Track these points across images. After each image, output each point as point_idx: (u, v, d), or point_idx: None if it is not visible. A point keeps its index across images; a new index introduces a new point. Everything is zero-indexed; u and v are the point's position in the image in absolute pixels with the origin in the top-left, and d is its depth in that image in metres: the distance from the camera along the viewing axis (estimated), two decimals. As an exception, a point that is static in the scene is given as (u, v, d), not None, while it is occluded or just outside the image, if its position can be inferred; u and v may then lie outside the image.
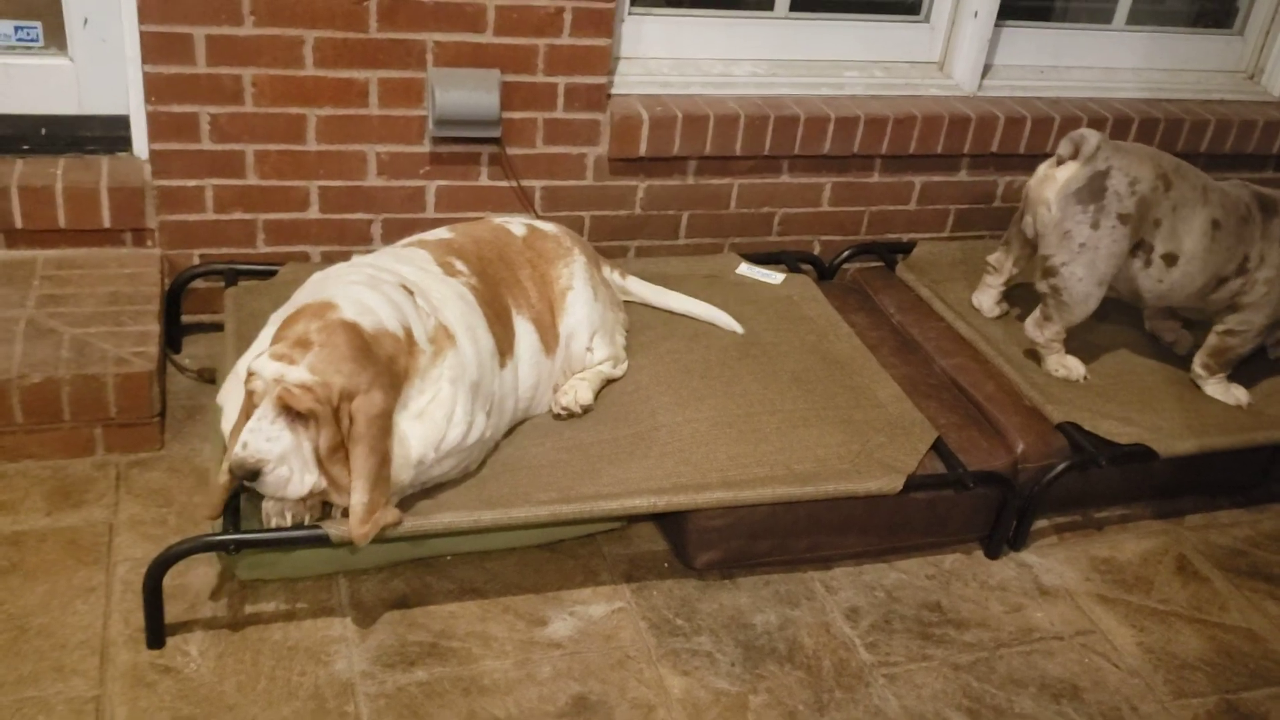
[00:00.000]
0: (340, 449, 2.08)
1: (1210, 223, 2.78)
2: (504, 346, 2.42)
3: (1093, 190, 2.71)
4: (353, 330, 2.09)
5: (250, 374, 2.04)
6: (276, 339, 2.09)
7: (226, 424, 2.22)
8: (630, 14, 3.15)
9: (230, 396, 2.24)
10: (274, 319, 2.30)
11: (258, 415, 2.03)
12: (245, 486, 2.11)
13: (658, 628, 2.36)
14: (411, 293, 2.26)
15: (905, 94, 3.41)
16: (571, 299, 2.61)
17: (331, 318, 2.08)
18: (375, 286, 2.21)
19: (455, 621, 2.31)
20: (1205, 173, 2.88)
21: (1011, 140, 3.42)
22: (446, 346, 2.24)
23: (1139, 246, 2.78)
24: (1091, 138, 2.74)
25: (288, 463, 2.05)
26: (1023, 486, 2.65)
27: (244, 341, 2.41)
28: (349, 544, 2.14)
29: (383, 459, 2.09)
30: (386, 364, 2.13)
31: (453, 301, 2.34)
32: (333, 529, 2.14)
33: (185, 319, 2.95)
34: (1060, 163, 2.78)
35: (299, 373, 2.02)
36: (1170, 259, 2.78)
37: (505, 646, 2.27)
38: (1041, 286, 2.83)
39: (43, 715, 2.00)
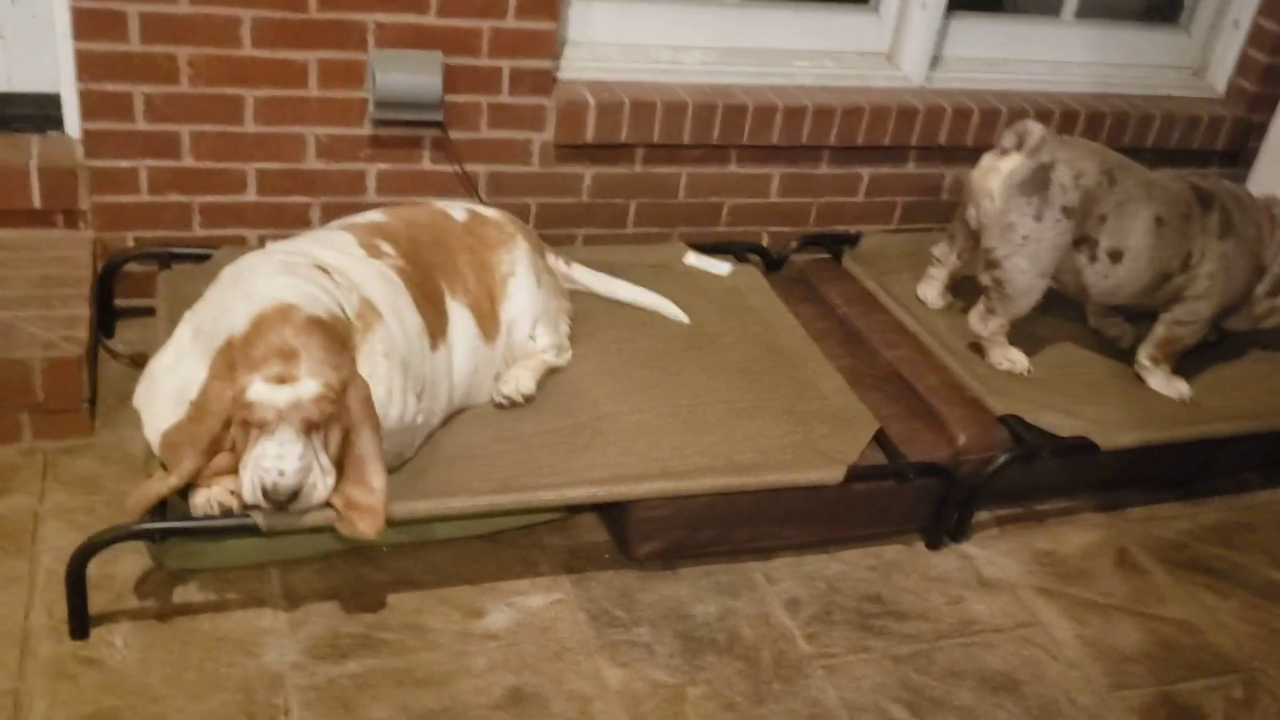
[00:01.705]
0: (344, 441, 2.07)
1: (1154, 220, 2.79)
2: (434, 330, 2.38)
3: (1036, 182, 2.71)
4: (320, 324, 2.06)
5: (249, 404, 1.98)
6: (246, 360, 2.00)
7: (151, 430, 2.15)
8: (577, -2, 3.12)
9: (150, 399, 2.18)
10: (187, 318, 2.24)
11: (280, 440, 1.99)
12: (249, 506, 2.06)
13: (596, 619, 2.34)
14: (327, 272, 2.21)
15: (854, 85, 3.40)
16: (513, 285, 2.58)
17: (297, 318, 2.04)
18: (294, 271, 2.16)
19: (390, 613, 2.28)
20: (1148, 168, 2.89)
21: (959, 132, 3.42)
22: (374, 321, 2.21)
23: (1083, 242, 2.78)
24: (1036, 129, 2.74)
25: (313, 475, 2.03)
26: (964, 478, 2.64)
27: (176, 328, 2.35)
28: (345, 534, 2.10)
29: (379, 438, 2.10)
30: (347, 345, 2.11)
31: (373, 281, 2.29)
32: (345, 528, 2.08)
33: (118, 303, 2.88)
34: (1004, 154, 2.78)
35: (310, 387, 1.98)
36: (1115, 255, 2.79)
37: (441, 638, 2.24)
38: (984, 279, 2.83)
39: (-42, 708, 1.95)
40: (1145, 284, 2.84)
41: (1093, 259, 2.79)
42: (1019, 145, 2.75)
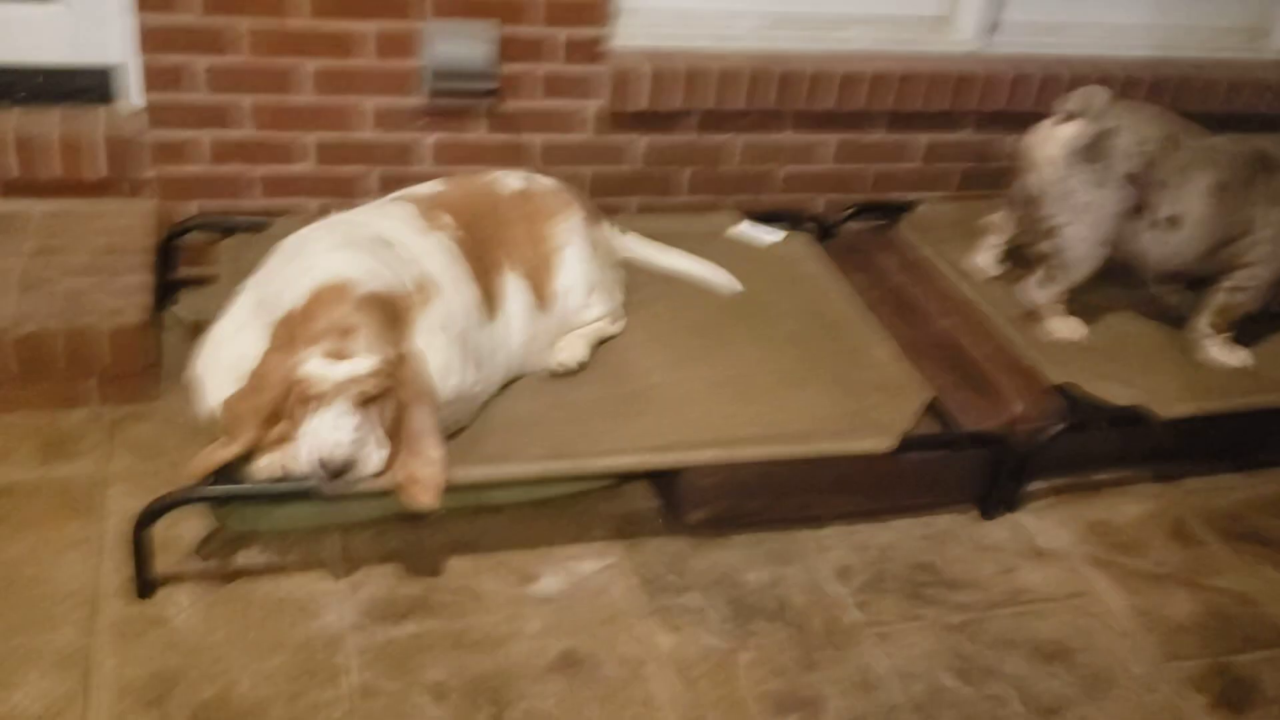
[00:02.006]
0: (398, 415, 2.11)
1: (1216, 185, 2.74)
2: (491, 300, 2.41)
3: (1098, 149, 2.67)
4: (377, 299, 2.10)
5: (302, 380, 2.02)
6: (305, 334, 2.04)
7: (211, 399, 2.20)
8: (631, -35, 3.11)
9: (210, 367, 2.23)
10: (248, 287, 2.28)
11: (335, 413, 2.03)
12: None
13: (648, 584, 2.36)
14: (389, 245, 2.24)
15: (911, 50, 3.36)
16: (568, 255, 2.59)
17: (355, 295, 2.08)
18: (355, 246, 2.19)
19: (446, 576, 2.32)
20: (1211, 133, 2.84)
21: (1019, 98, 3.38)
22: (432, 295, 2.24)
23: (1143, 208, 2.74)
24: (1099, 94, 2.69)
25: (367, 447, 2.07)
26: (1018, 447, 2.63)
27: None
28: (400, 502, 2.13)
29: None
30: (404, 321, 2.14)
31: (434, 253, 2.32)
32: (405, 499, 2.12)
33: (180, 272, 2.94)
34: (1066, 119, 2.74)
35: (365, 363, 2.02)
36: (1175, 222, 2.75)
37: (495, 601, 2.27)
38: (1042, 246, 2.80)
39: (31, 664, 2.02)
40: (1204, 250, 2.80)
41: (1152, 225, 2.75)
42: (1081, 111, 2.71)
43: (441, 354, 2.22)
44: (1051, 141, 2.74)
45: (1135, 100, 3.30)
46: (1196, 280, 2.95)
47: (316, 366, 2.02)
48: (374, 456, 2.10)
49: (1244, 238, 2.80)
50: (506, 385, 2.50)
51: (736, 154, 3.28)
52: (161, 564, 2.21)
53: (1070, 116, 2.72)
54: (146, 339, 2.55)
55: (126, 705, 1.97)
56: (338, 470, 2.05)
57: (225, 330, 2.25)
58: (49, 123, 2.78)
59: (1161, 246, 2.78)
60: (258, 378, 2.09)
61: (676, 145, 3.21)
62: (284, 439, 2.12)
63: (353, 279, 2.10)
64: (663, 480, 2.52)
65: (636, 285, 2.83)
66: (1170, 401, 2.71)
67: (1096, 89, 2.70)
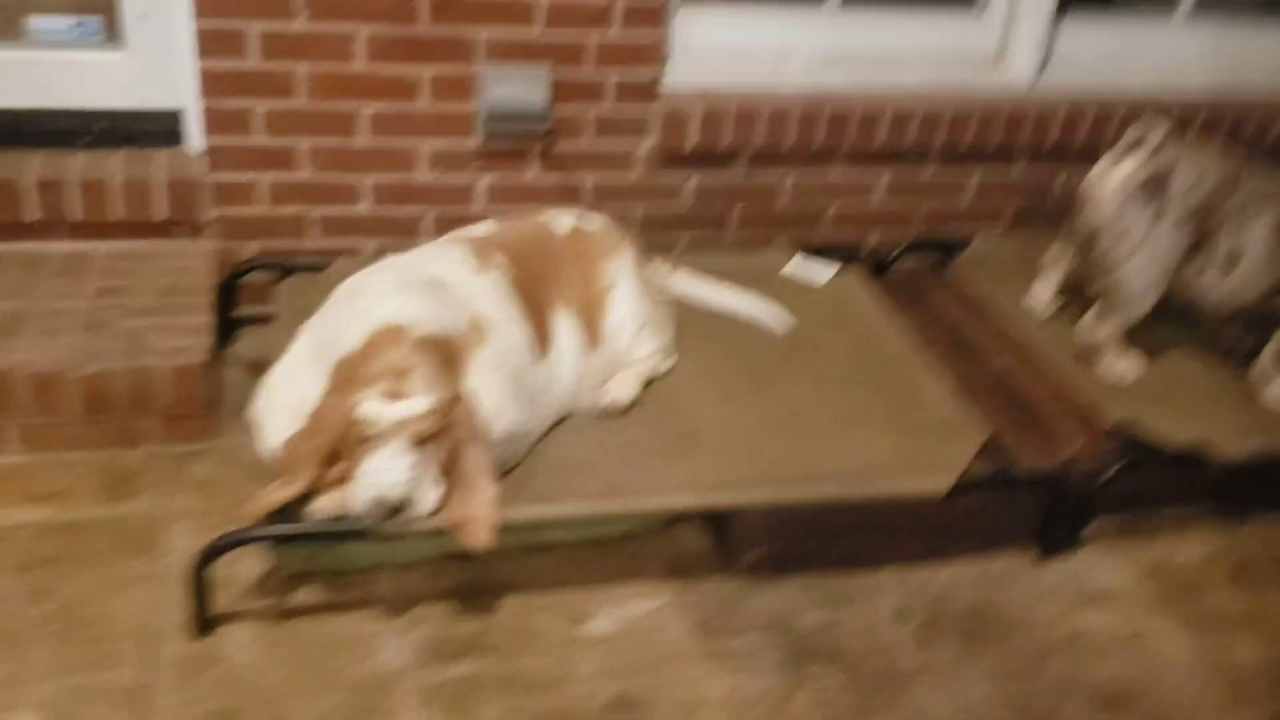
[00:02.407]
0: (451, 456, 2.13)
1: (1277, 223, 2.70)
2: (541, 339, 2.43)
3: (1156, 185, 2.65)
4: (430, 343, 2.12)
5: (358, 421, 2.05)
6: (362, 375, 2.07)
7: (269, 440, 2.23)
8: (682, 6, 3.13)
9: (269, 409, 2.26)
10: (305, 330, 2.32)
11: (390, 454, 2.05)
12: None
13: (700, 626, 2.35)
14: (441, 288, 2.27)
15: (962, 87, 3.35)
16: (617, 294, 2.61)
17: (409, 338, 2.11)
18: (410, 289, 2.22)
19: (500, 615, 2.32)
20: (1273, 167, 2.80)
21: (1070, 134, 3.36)
22: (484, 337, 2.26)
23: (1200, 246, 2.71)
24: (1157, 130, 2.67)
25: (421, 487, 2.09)
26: (1075, 488, 2.60)
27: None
28: (453, 542, 2.15)
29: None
30: (457, 363, 2.17)
31: (486, 294, 2.35)
32: (459, 539, 2.14)
33: (239, 312, 2.98)
34: (1123, 155, 2.72)
35: (419, 404, 2.05)
36: (1232, 260, 2.71)
37: (548, 641, 2.28)
38: (1098, 284, 2.77)
39: (93, 702, 2.04)
40: (1265, 289, 2.76)
41: (1210, 264, 2.72)
42: (1139, 145, 2.69)
43: (495, 394, 2.24)
44: (1110, 176, 2.72)
45: (1196, 136, 3.27)
46: (1259, 319, 2.90)
47: (373, 407, 2.05)
48: (429, 496, 2.12)
49: None
50: (557, 424, 2.51)
51: (787, 191, 3.29)
52: (221, 602, 2.23)
53: (1129, 151, 2.70)
54: (207, 378, 2.59)
55: (185, 744, 1.99)
56: (393, 509, 2.07)
57: (284, 372, 2.29)
58: (113, 166, 2.84)
59: (1220, 285, 2.74)
60: (316, 419, 2.11)
61: (727, 183, 3.22)
62: (342, 479, 2.14)
63: (408, 322, 2.13)
64: (715, 520, 2.52)
65: (687, 323, 2.84)
66: (1231, 440, 2.67)
67: (1155, 123, 2.68)
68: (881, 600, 2.47)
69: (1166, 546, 2.73)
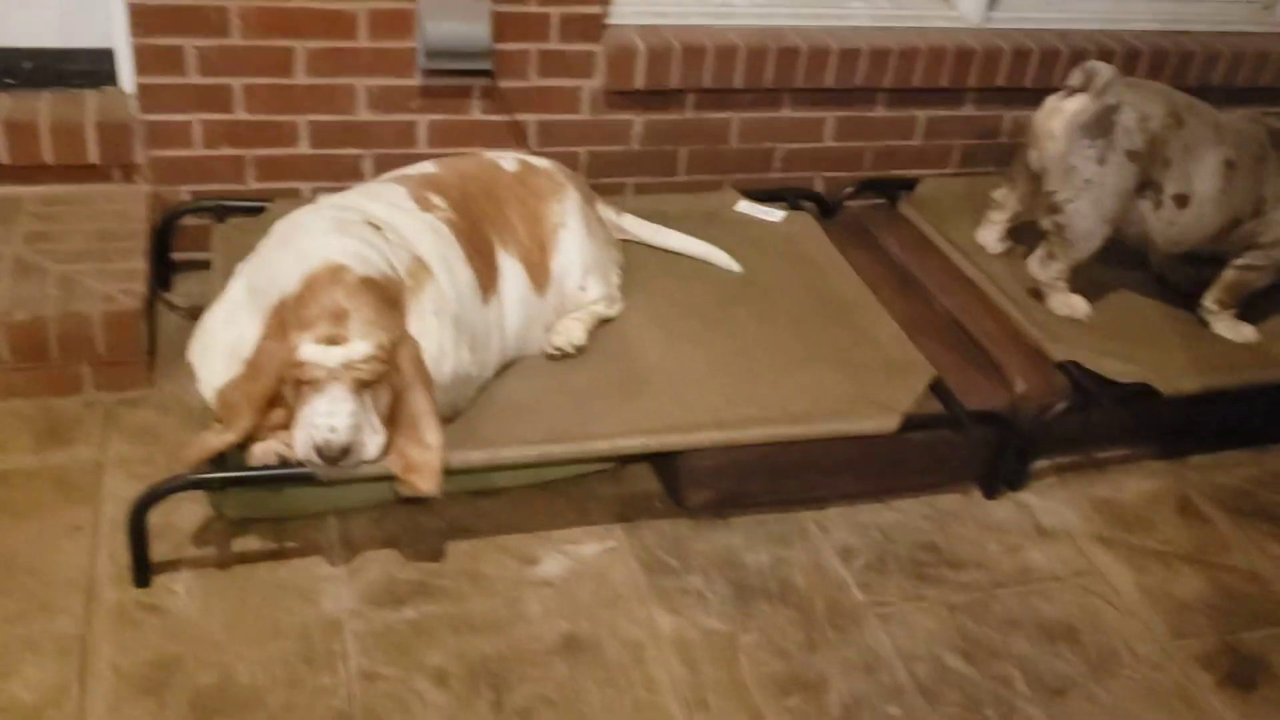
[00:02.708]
0: (395, 400, 2.09)
1: (1224, 163, 2.71)
2: (486, 282, 2.38)
3: (1101, 124, 2.64)
4: (371, 284, 2.07)
5: (298, 365, 2.00)
6: (299, 319, 2.02)
7: (206, 385, 2.18)
8: (627, -58, 3.07)
9: (204, 354, 2.21)
10: (240, 273, 2.26)
11: (331, 399, 2.01)
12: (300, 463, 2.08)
13: (649, 567, 2.34)
14: (379, 228, 2.22)
15: (910, 25, 3.32)
16: (564, 236, 2.57)
17: (349, 279, 2.05)
18: (346, 230, 2.17)
19: (446, 561, 2.30)
20: (1218, 108, 2.80)
21: (1018, 74, 3.34)
22: (425, 279, 2.21)
23: (1148, 187, 2.71)
24: (1103, 70, 2.66)
25: (364, 432, 2.05)
26: (1022, 426, 2.61)
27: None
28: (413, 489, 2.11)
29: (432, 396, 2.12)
30: (399, 305, 2.12)
31: (425, 235, 2.30)
32: (405, 487, 2.11)
33: (175, 256, 2.91)
34: (1069, 94, 2.70)
35: (361, 347, 2.00)
36: (1181, 200, 2.72)
37: (496, 585, 2.26)
38: (1045, 223, 2.77)
39: (29, 653, 2.00)
40: (1214, 230, 2.77)
41: (1158, 205, 2.72)
42: (1085, 86, 2.67)
43: (436, 338, 2.20)
44: (1055, 116, 2.71)
45: (1141, 77, 3.27)
46: (1207, 256, 2.91)
47: (311, 352, 2.00)
48: (371, 442, 2.08)
49: (1256, 218, 2.77)
50: (504, 369, 2.48)
51: (735, 132, 3.25)
52: (159, 551, 2.19)
53: (1074, 92, 2.69)
54: (141, 325, 2.53)
55: (124, 693, 1.96)
56: (335, 456, 2.03)
57: (218, 317, 2.23)
58: (40, 107, 2.75)
59: (1169, 226, 2.74)
60: (253, 365, 2.06)
61: (674, 124, 3.18)
62: (281, 425, 2.10)
63: (345, 264, 2.07)
64: (663, 462, 2.50)
65: (635, 266, 2.81)
66: (1176, 378, 2.68)
67: (1100, 65, 2.66)
68: (830, 538, 2.48)
69: (1113, 483, 2.76)
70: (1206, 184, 2.71)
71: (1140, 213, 2.74)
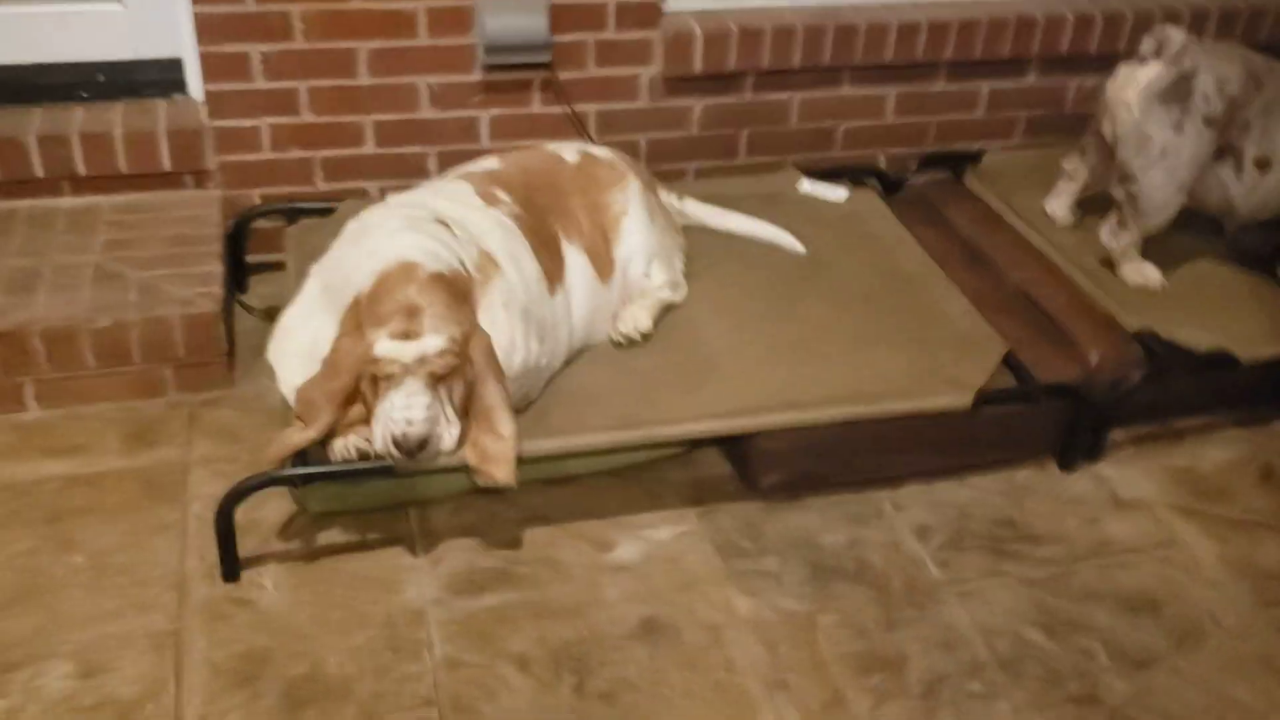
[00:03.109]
0: (469, 392, 2.13)
1: None
2: (552, 274, 2.41)
3: (1177, 91, 2.60)
4: (441, 279, 2.11)
5: (374, 361, 2.05)
6: (373, 316, 2.06)
7: (285, 384, 2.24)
8: (681, -72, 3.07)
9: (282, 354, 2.26)
10: (314, 273, 2.31)
11: (407, 392, 2.06)
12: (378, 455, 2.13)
13: (724, 550, 2.36)
14: (447, 225, 2.25)
15: (969, -3, 3.29)
16: (627, 225, 2.58)
17: (420, 276, 2.09)
18: (416, 227, 2.21)
19: (524, 548, 2.33)
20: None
21: (1082, 41, 3.29)
22: (493, 273, 2.24)
23: (1228, 152, 2.66)
24: (1176, 35, 2.61)
25: (440, 424, 2.09)
26: (1097, 398, 2.58)
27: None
28: (487, 480, 2.14)
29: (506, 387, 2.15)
30: (469, 299, 2.16)
31: (493, 230, 2.33)
32: (481, 477, 2.15)
33: (249, 258, 2.98)
34: (1143, 62, 2.66)
35: (435, 341, 2.04)
36: (1263, 164, 2.66)
37: (573, 571, 2.28)
38: (1118, 193, 2.73)
39: (126, 649, 2.06)
40: None
41: (1239, 170, 2.67)
42: (1158, 53, 2.63)
43: (505, 330, 2.23)
44: (1129, 85, 2.66)
45: (1214, 39, 3.20)
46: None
47: (386, 347, 2.04)
48: (447, 434, 2.12)
49: None
50: (573, 358, 2.50)
51: (795, 112, 3.24)
52: (246, 547, 2.25)
53: (1147, 59, 2.64)
54: (219, 326, 2.59)
55: (219, 686, 2.01)
56: (412, 449, 2.07)
57: (294, 317, 2.28)
58: (114, 118, 2.82)
59: (1252, 192, 2.69)
60: (330, 364, 2.11)
61: (733, 107, 3.18)
62: (359, 421, 2.14)
63: (416, 261, 2.11)
64: (734, 445, 2.51)
65: (698, 250, 2.81)
66: (1253, 344, 2.64)
67: (1173, 30, 2.61)
68: (905, 516, 2.47)
69: (1191, 453, 2.71)
70: None
71: (1220, 179, 2.69)
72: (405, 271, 2.09)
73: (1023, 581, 2.33)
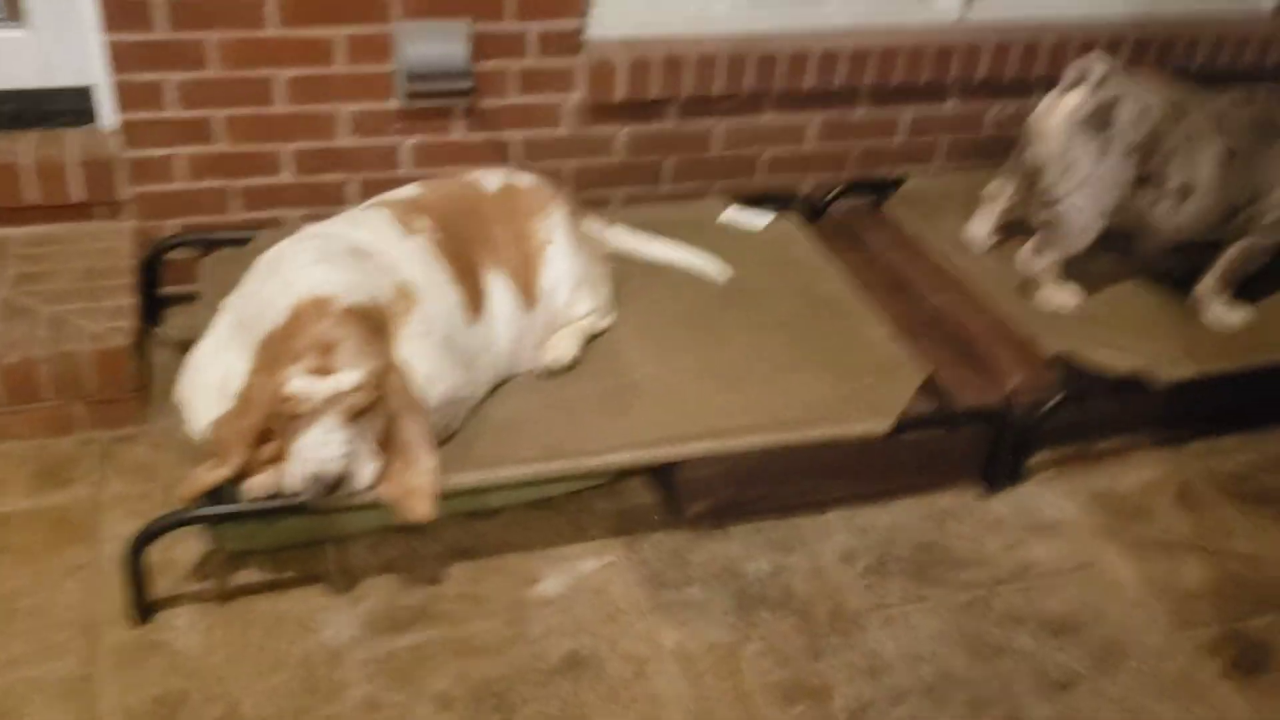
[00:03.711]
0: (385, 428, 2.10)
1: (1227, 151, 2.70)
2: (474, 302, 2.39)
3: (1100, 119, 2.64)
4: (356, 313, 2.08)
5: (288, 398, 2.00)
6: (287, 351, 2.02)
7: (196, 422, 2.19)
8: (602, -45, 3.07)
9: (193, 390, 2.21)
10: (226, 307, 2.26)
11: (323, 429, 2.02)
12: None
13: (649, 580, 2.34)
14: (363, 256, 2.22)
15: (889, 23, 3.32)
16: (551, 253, 2.57)
17: (335, 309, 2.05)
18: (330, 259, 2.17)
19: (446, 584, 2.30)
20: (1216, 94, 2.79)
21: (999, 67, 3.34)
22: (412, 304, 2.22)
23: (1149, 179, 2.70)
24: (1099, 65, 2.65)
25: (358, 461, 2.06)
26: (1017, 421, 2.60)
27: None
28: (407, 516, 2.11)
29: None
30: (385, 332, 2.13)
31: (411, 259, 2.30)
32: (400, 513, 2.11)
33: (164, 290, 2.92)
34: (1066, 91, 2.70)
35: (350, 377, 2.00)
36: (1185, 191, 2.71)
37: (495, 606, 2.26)
38: (1040, 217, 2.77)
39: (36, 695, 2.00)
40: (1218, 218, 2.76)
41: (1160, 196, 2.71)
42: (1081, 81, 2.67)
43: (427, 361, 2.20)
44: (1053, 113, 2.70)
45: (1139, 67, 3.26)
46: (1201, 244, 2.91)
47: (302, 384, 2.00)
48: (367, 469, 2.08)
49: (1256, 202, 2.76)
50: (497, 387, 2.48)
51: (720, 139, 3.25)
52: (160, 587, 2.20)
53: (1073, 86, 2.68)
54: (133, 361, 2.53)
55: (129, 732, 1.96)
56: (330, 486, 2.03)
57: (206, 352, 2.23)
58: (24, 148, 2.75)
59: (1174, 217, 2.74)
60: (244, 400, 2.07)
61: (658, 134, 3.18)
62: (274, 458, 2.10)
63: (331, 293, 2.07)
64: (659, 474, 2.50)
65: (625, 277, 2.81)
66: (1171, 365, 2.68)
67: (1096, 58, 2.66)
68: (829, 543, 2.47)
69: (1110, 474, 2.75)
70: (1208, 173, 2.70)
71: (1141, 205, 2.74)
72: (318, 306, 2.05)
73: (946, 606, 2.35)
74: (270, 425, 2.07)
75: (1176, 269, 3.02)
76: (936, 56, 3.27)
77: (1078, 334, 2.73)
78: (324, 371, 2.00)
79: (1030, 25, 3.40)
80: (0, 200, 2.74)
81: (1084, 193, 2.68)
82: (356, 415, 2.04)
